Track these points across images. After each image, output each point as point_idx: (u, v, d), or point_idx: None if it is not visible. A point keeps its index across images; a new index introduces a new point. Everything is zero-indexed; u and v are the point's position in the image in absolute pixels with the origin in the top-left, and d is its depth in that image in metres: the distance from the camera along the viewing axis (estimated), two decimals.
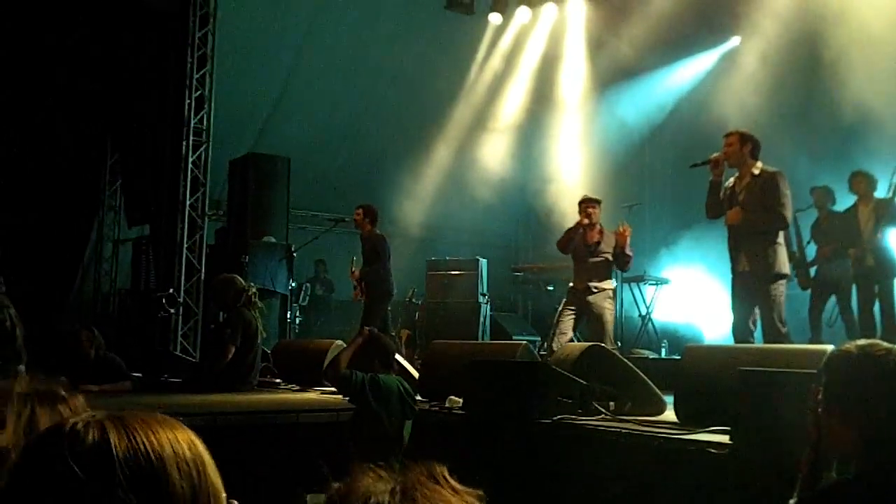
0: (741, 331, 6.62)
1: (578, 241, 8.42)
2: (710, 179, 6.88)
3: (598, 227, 8.35)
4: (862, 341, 2.52)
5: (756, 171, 6.63)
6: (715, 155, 6.78)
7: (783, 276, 6.57)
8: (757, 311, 6.59)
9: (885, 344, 2.54)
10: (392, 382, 5.10)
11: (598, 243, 8.31)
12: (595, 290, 8.21)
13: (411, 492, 1.01)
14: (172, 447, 1.15)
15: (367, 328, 5.76)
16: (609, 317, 8.19)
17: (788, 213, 6.61)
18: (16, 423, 1.68)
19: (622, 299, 10.96)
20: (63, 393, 1.85)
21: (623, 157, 12.68)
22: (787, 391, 3.69)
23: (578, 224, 8.39)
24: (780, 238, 6.62)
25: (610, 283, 8.31)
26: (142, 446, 1.13)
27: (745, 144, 6.69)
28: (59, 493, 1.07)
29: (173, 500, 1.12)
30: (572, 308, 8.27)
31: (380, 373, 5.15)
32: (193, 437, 1.21)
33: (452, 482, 1.05)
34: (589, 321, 8.24)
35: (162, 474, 1.12)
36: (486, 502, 1.06)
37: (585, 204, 8.39)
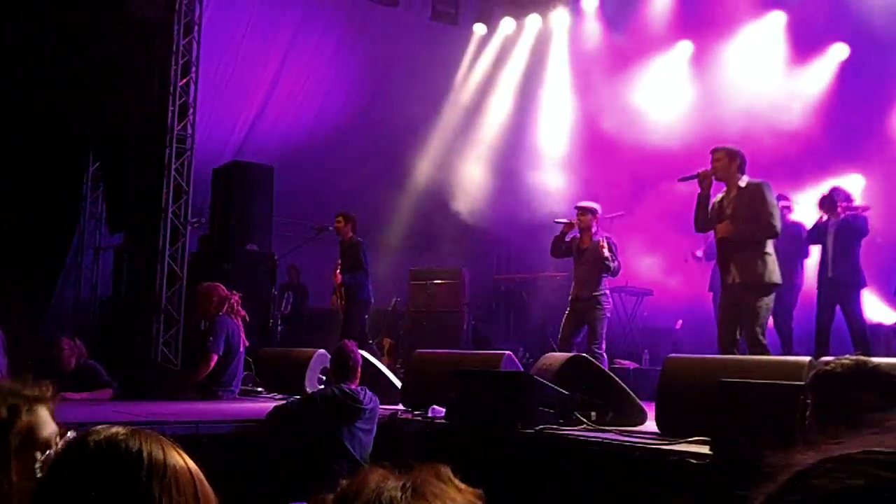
0: (727, 342, 6.68)
1: (573, 249, 8.49)
2: (698, 193, 6.95)
3: (590, 234, 8.36)
4: (847, 358, 2.57)
5: (742, 184, 6.72)
6: (703, 170, 6.87)
7: (774, 287, 6.65)
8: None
9: (874, 360, 2.59)
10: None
11: (586, 250, 8.34)
12: (584, 298, 8.25)
13: (421, 488, 1.05)
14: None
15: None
16: (597, 324, 8.19)
17: (777, 223, 6.70)
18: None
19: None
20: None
21: (609, 167, 12.73)
22: (765, 402, 3.73)
23: (563, 232, 8.46)
24: (770, 248, 6.70)
25: (599, 290, 8.28)
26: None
27: (733, 160, 6.79)
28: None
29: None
30: (571, 316, 8.36)
31: (337, 383, 5.22)
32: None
33: (457, 481, 1.09)
34: (573, 326, 8.29)
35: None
36: (486, 501, 1.09)
37: (577, 211, 8.46)
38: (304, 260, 13.16)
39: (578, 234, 8.45)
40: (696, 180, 6.95)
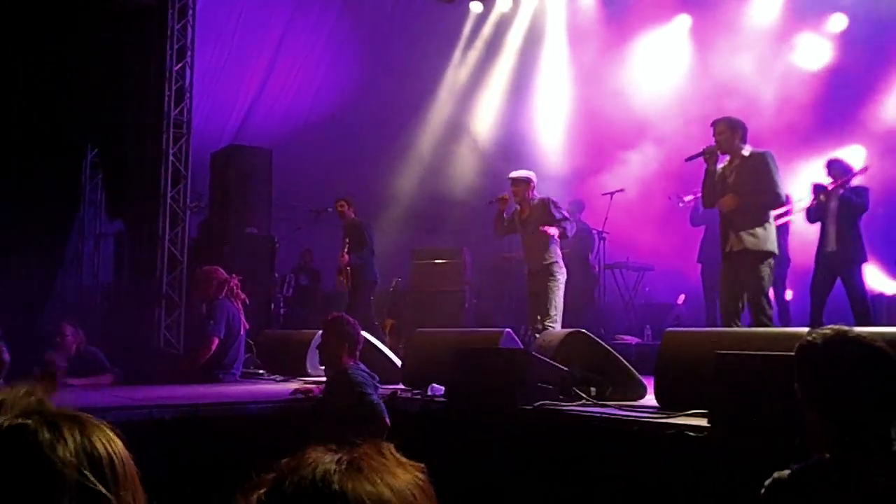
0: (729, 314, 6.69)
1: (516, 223, 8.29)
2: (705, 169, 6.95)
3: (528, 203, 8.16)
4: (829, 329, 2.56)
5: (746, 153, 6.73)
6: (707, 146, 6.86)
7: (771, 254, 6.65)
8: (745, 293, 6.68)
9: (855, 330, 2.57)
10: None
11: (527, 220, 8.13)
12: (535, 270, 8.09)
13: (358, 462, 1.04)
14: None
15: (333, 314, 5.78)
16: (550, 295, 7.97)
17: (782, 191, 6.71)
18: None
19: (604, 285, 11.04)
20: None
21: (607, 144, 12.69)
22: (763, 374, 3.73)
23: (499, 210, 8.28)
24: (771, 217, 6.71)
25: (549, 258, 8.06)
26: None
27: (735, 131, 6.82)
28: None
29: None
30: (531, 292, 8.24)
31: (349, 361, 5.19)
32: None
33: (398, 456, 1.08)
34: (536, 301, 8.11)
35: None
36: (427, 475, 1.09)
37: (510, 182, 8.27)
38: (316, 243, 13.17)
39: (518, 207, 8.24)
40: (702, 158, 6.95)
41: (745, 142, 6.82)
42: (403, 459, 1.08)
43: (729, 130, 6.82)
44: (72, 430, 1.23)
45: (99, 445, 1.25)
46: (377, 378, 5.42)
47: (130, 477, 1.27)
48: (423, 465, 1.09)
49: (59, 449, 1.20)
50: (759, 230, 6.62)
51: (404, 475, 1.05)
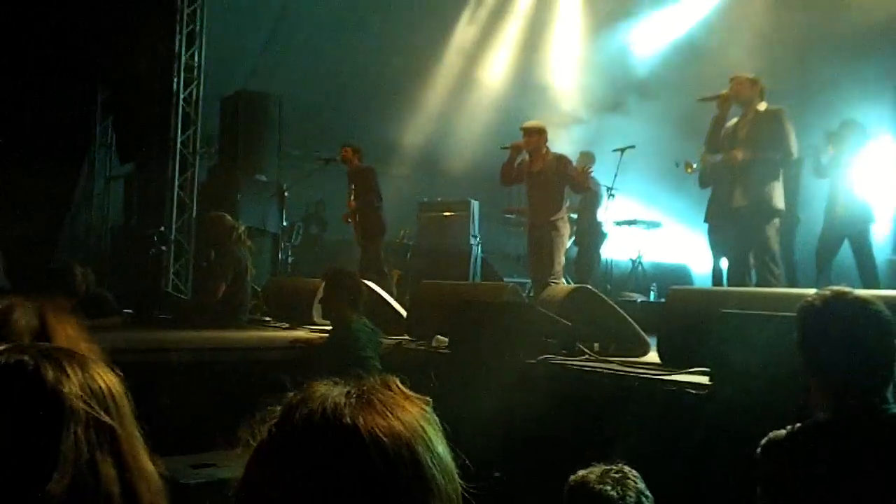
0: (738, 272, 6.68)
1: (523, 174, 8.15)
2: (714, 115, 6.89)
3: (541, 155, 8.01)
4: (828, 290, 2.55)
5: (762, 108, 6.68)
6: (725, 91, 6.80)
7: (779, 212, 6.63)
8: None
9: (856, 292, 2.57)
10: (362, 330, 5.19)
11: (538, 173, 7.99)
12: (540, 224, 7.99)
13: (367, 395, 1.04)
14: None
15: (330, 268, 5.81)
16: (554, 251, 7.88)
17: (795, 149, 6.67)
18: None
19: (612, 242, 11.01)
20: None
21: (619, 100, 12.60)
22: (765, 334, 3.73)
23: (511, 157, 8.16)
24: (780, 175, 6.67)
25: (557, 214, 7.97)
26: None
27: (754, 85, 6.78)
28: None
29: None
30: (532, 246, 8.17)
31: (351, 314, 5.22)
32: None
33: (405, 389, 1.09)
34: (539, 256, 8.03)
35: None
36: (432, 407, 1.10)
37: (522, 133, 8.11)
38: (328, 193, 13.16)
39: (528, 157, 8.11)
40: (716, 102, 6.88)
41: (762, 98, 6.77)
42: (410, 393, 1.08)
43: (748, 84, 6.78)
44: (73, 366, 1.27)
45: (99, 380, 1.29)
46: (380, 332, 5.45)
47: (129, 411, 1.32)
48: (428, 398, 1.10)
49: (66, 384, 1.24)
50: (767, 187, 6.59)
51: (412, 408, 1.05)
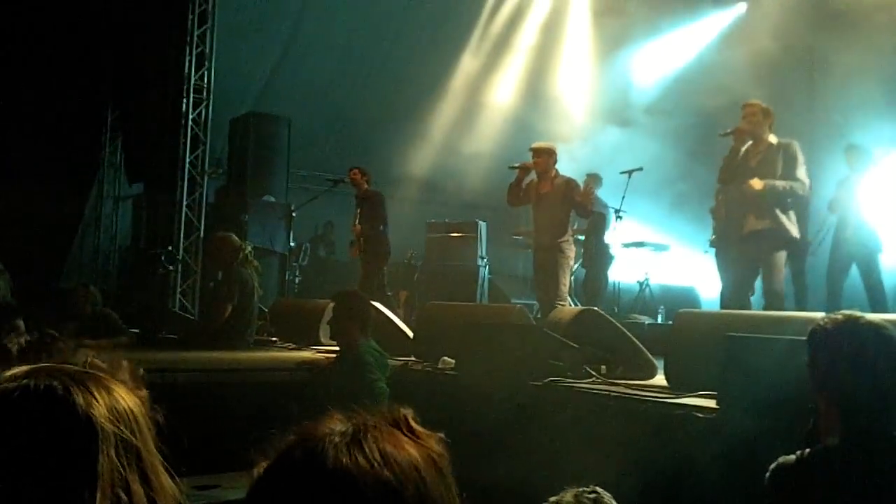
0: (737, 295, 6.68)
1: (531, 194, 8.12)
2: (731, 147, 6.92)
3: (549, 177, 7.98)
4: (840, 314, 2.54)
5: (773, 141, 6.70)
6: (742, 126, 6.79)
7: (793, 240, 6.63)
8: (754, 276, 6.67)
9: (867, 316, 2.56)
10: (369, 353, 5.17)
11: (546, 195, 7.94)
12: (546, 246, 7.94)
13: (361, 434, 1.04)
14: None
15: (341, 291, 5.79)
16: (559, 273, 7.81)
17: (808, 182, 6.68)
18: None
19: (619, 264, 11.00)
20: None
21: (626, 122, 12.62)
22: (772, 357, 3.71)
23: (518, 178, 8.12)
24: (792, 205, 6.69)
25: (563, 236, 7.91)
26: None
27: (766, 116, 6.78)
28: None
29: None
30: (537, 268, 8.14)
31: (359, 336, 5.19)
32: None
33: (413, 425, 1.08)
34: (544, 278, 7.99)
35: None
36: (446, 446, 1.08)
37: (531, 153, 8.08)
38: (335, 215, 13.20)
39: (536, 179, 8.06)
40: (733, 135, 6.91)
41: (771, 130, 6.78)
42: (419, 429, 1.07)
43: (761, 114, 6.78)
44: (99, 389, 1.31)
45: (122, 402, 1.33)
46: (387, 356, 5.43)
47: (147, 429, 1.36)
48: (441, 435, 1.08)
49: (95, 407, 1.27)
50: (781, 214, 6.59)
51: (413, 449, 1.04)
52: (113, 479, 1.25)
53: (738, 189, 6.85)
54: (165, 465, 1.37)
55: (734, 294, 6.77)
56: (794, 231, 6.66)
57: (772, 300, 6.45)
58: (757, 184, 6.66)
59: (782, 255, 6.61)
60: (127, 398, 1.34)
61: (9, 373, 1.30)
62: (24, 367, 1.32)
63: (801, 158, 6.64)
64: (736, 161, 6.86)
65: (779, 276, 6.57)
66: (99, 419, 1.26)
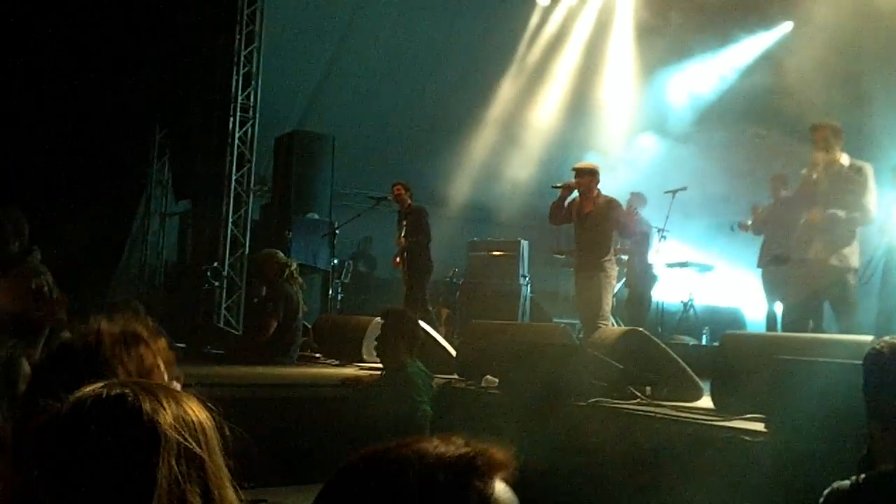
0: (799, 318, 6.62)
1: (572, 214, 8.07)
2: (804, 173, 6.86)
3: (591, 197, 7.93)
4: (894, 338, 2.51)
5: (846, 163, 6.60)
6: (816, 153, 6.67)
7: (855, 270, 6.61)
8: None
9: None
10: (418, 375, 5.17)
11: (588, 215, 7.89)
12: (588, 266, 7.89)
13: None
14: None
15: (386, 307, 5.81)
16: (602, 293, 7.74)
17: (874, 209, 6.60)
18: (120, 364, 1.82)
19: (664, 284, 10.92)
20: (144, 334, 1.97)
21: (671, 141, 12.57)
22: (821, 381, 3.67)
23: (561, 196, 8.09)
24: (857, 234, 6.65)
25: (605, 256, 7.83)
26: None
27: (837, 137, 6.64)
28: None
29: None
30: (580, 288, 8.08)
31: (406, 356, 5.19)
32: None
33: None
34: (587, 297, 7.93)
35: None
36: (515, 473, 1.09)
37: (574, 173, 8.05)
38: (376, 231, 13.30)
39: (578, 198, 8.01)
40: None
41: (843, 149, 6.66)
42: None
43: (832, 136, 6.63)
44: (168, 399, 1.34)
45: (191, 413, 1.35)
46: (433, 376, 5.44)
47: (217, 445, 1.38)
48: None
49: (162, 415, 1.30)
50: (846, 245, 6.52)
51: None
52: (171, 488, 1.26)
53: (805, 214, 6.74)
54: (233, 483, 1.38)
55: (793, 316, 6.70)
56: (856, 261, 6.59)
57: (848, 324, 6.39)
58: (815, 217, 6.57)
59: (851, 282, 6.54)
60: (197, 411, 1.37)
61: (91, 386, 1.34)
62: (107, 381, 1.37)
63: (871, 184, 6.52)
64: (810, 185, 6.73)
65: (852, 300, 6.51)
66: (164, 426, 1.29)
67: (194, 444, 1.31)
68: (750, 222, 9.44)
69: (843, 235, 6.54)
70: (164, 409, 1.31)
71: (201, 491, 1.31)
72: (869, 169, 6.56)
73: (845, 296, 6.52)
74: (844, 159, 6.61)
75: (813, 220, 6.59)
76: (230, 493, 1.36)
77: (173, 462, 1.28)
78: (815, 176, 6.72)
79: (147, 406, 1.30)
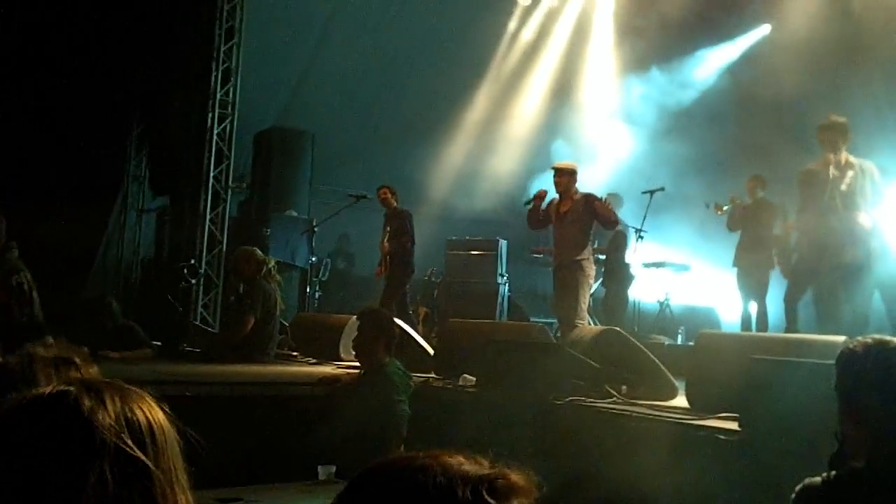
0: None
1: (551, 214, 8.12)
2: (808, 169, 6.91)
3: (570, 195, 7.99)
4: (870, 337, 2.54)
5: (854, 161, 6.66)
6: (828, 154, 6.69)
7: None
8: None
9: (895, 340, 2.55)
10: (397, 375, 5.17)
11: (567, 213, 7.95)
12: (566, 264, 7.93)
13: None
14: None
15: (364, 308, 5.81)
16: (579, 291, 7.79)
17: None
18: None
19: (640, 284, 10.98)
20: (77, 360, 1.93)
21: (648, 142, 12.63)
22: (794, 380, 3.71)
23: (535, 206, 8.14)
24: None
25: (583, 254, 7.89)
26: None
27: (845, 136, 6.69)
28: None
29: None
30: (558, 287, 8.12)
31: (384, 355, 5.19)
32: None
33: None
34: (564, 296, 7.97)
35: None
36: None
37: (554, 172, 8.11)
38: (353, 228, 13.27)
39: (558, 198, 8.06)
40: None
41: (848, 148, 6.71)
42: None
43: (841, 137, 6.67)
44: (113, 397, 1.24)
45: (139, 413, 1.25)
46: (411, 376, 5.45)
47: (171, 447, 1.27)
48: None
49: (100, 414, 1.20)
50: (866, 240, 6.62)
51: None
52: (101, 493, 1.16)
53: (825, 216, 6.72)
54: (188, 487, 1.28)
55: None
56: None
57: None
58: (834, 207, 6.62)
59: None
60: (148, 411, 1.27)
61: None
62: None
63: (880, 180, 6.66)
64: (824, 184, 6.73)
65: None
66: (100, 427, 1.19)
67: (136, 446, 1.21)
68: (726, 207, 9.45)
69: (862, 234, 6.60)
70: (105, 408, 1.22)
71: (142, 498, 1.20)
72: (874, 167, 6.65)
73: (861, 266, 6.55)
74: (852, 159, 6.68)
75: (832, 209, 6.58)
76: (183, 498, 1.26)
77: (106, 466, 1.17)
78: (825, 168, 6.72)
79: (86, 404, 1.21)
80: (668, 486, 4.22)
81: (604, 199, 8.14)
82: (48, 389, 1.25)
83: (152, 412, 1.28)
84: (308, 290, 11.02)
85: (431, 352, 7.31)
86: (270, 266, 7.95)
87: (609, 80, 13.39)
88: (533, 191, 8.68)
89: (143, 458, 1.21)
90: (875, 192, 6.59)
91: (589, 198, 8.02)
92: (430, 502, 1.02)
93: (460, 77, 13.70)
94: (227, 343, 7.81)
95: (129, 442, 1.21)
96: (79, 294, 10.27)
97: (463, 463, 1.06)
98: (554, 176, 8.09)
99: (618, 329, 6.34)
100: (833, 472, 2.40)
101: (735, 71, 12.47)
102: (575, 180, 8.06)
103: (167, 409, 1.32)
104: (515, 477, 1.06)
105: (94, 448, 1.18)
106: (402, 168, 12.59)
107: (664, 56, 12.79)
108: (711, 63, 12.88)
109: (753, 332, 6.75)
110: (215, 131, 10.70)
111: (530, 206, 8.23)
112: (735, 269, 9.52)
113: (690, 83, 12.83)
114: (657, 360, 5.81)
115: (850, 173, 6.63)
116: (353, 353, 5.79)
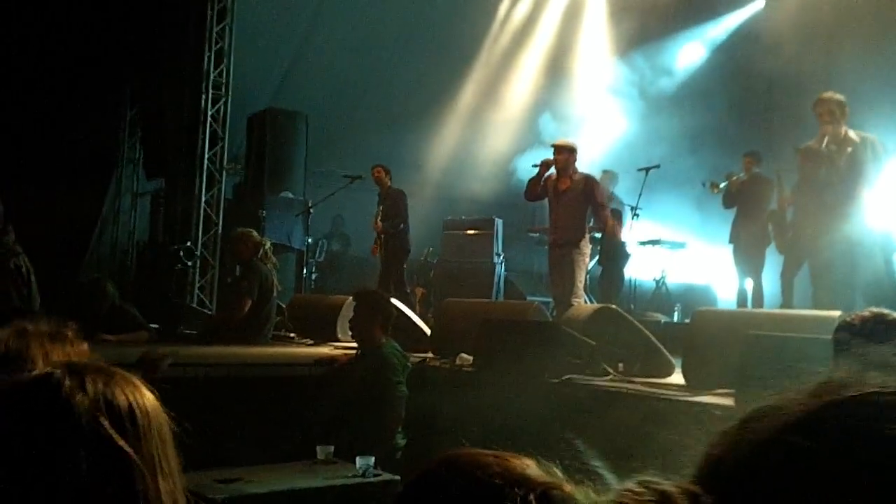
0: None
1: (548, 191, 8.07)
2: (808, 147, 6.86)
3: (569, 174, 7.93)
4: (867, 311, 2.55)
5: (855, 137, 6.61)
6: (824, 127, 6.66)
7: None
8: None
9: (893, 314, 2.56)
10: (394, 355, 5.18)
11: (565, 192, 7.90)
12: (561, 243, 7.92)
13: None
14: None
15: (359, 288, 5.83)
16: (575, 270, 7.76)
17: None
18: (44, 360, 1.76)
19: (636, 262, 11.00)
20: (70, 335, 1.93)
21: (642, 120, 12.60)
22: (790, 355, 3.72)
23: (539, 174, 8.07)
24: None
25: (579, 233, 7.86)
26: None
27: (843, 110, 6.65)
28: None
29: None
30: (553, 265, 8.10)
31: (381, 335, 5.21)
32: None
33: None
34: (560, 275, 7.95)
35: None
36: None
37: (553, 149, 8.04)
38: (348, 208, 13.26)
39: (555, 175, 8.01)
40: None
41: (847, 122, 6.68)
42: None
43: (838, 109, 6.63)
44: (94, 380, 1.20)
45: (121, 396, 1.20)
46: (408, 358, 5.46)
47: (157, 431, 1.22)
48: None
49: (78, 396, 1.16)
50: (861, 213, 6.61)
51: None
52: (73, 476, 1.12)
53: (822, 191, 6.68)
54: (175, 471, 1.24)
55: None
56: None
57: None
58: (828, 179, 6.60)
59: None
60: (133, 394, 1.22)
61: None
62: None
63: (881, 154, 6.63)
64: (824, 157, 6.69)
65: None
66: (78, 409, 1.15)
67: (115, 430, 1.16)
68: (722, 185, 9.43)
69: (855, 208, 6.58)
70: (85, 389, 1.17)
71: (118, 484, 1.15)
72: (877, 141, 6.61)
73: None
74: (852, 134, 6.63)
75: (827, 182, 6.58)
76: (165, 485, 1.20)
77: (81, 450, 1.13)
78: (826, 148, 6.68)
79: (66, 385, 1.17)
80: (663, 462, 4.24)
81: (600, 178, 8.14)
82: (35, 373, 1.25)
83: (136, 396, 1.22)
84: (304, 271, 11.02)
85: (428, 332, 7.32)
86: (266, 247, 7.94)
87: (602, 57, 13.35)
88: (519, 168, 8.67)
89: (120, 441, 1.16)
90: (876, 165, 6.56)
91: (589, 179, 8.00)
92: (479, 499, 1.02)
93: (454, 57, 13.65)
94: (224, 325, 7.81)
95: (106, 425, 1.16)
96: (75, 278, 10.25)
97: (528, 467, 1.06)
98: (553, 153, 8.05)
99: (614, 307, 6.36)
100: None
101: (729, 46, 12.44)
102: (574, 159, 8.03)
103: (157, 393, 1.27)
104: (573, 491, 1.05)
105: (71, 431, 1.14)
106: (397, 148, 12.55)
107: (657, 33, 12.74)
108: (705, 39, 12.84)
109: (749, 309, 6.74)
110: (209, 113, 10.67)
111: (536, 173, 8.14)
112: (731, 246, 9.51)
113: (683, 60, 12.80)
114: (653, 338, 5.83)
115: (848, 149, 6.60)
116: (350, 333, 5.81)
